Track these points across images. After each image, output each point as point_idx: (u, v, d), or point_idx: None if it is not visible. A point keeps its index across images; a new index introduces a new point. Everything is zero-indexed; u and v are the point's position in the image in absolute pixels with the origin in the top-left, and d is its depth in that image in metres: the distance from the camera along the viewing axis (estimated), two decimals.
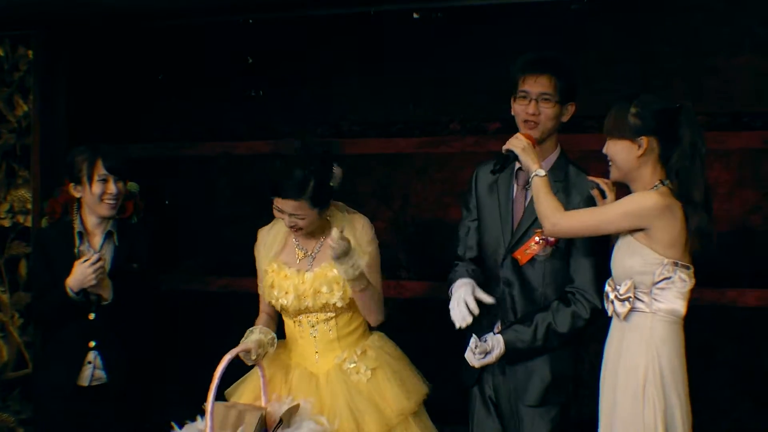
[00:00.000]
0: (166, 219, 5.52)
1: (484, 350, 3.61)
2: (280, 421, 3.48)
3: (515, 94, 3.71)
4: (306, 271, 3.82)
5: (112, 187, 4.11)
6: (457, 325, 3.61)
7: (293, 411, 3.54)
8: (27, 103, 5.73)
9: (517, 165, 3.73)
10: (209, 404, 3.39)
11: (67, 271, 4.03)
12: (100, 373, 4.12)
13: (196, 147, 5.60)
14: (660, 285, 3.30)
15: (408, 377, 3.87)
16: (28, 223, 5.71)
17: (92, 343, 4.11)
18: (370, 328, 3.97)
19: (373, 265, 3.84)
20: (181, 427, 3.59)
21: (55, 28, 5.63)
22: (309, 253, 3.88)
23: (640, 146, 3.33)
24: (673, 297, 3.31)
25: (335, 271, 3.75)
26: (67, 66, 5.71)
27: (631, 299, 3.32)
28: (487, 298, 3.64)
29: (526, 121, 3.68)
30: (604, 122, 3.41)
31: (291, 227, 3.76)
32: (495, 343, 3.63)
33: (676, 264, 3.29)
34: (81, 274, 4.00)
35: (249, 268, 4.06)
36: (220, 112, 5.55)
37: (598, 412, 3.46)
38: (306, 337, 3.86)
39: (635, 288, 3.33)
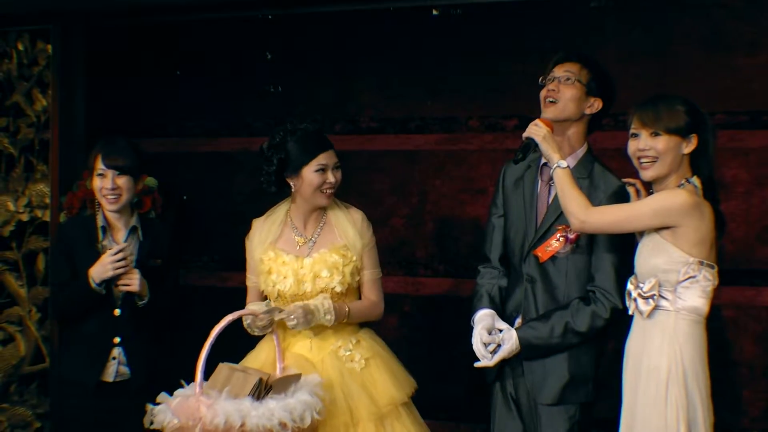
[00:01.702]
0: (183, 214, 5.54)
1: (493, 341, 3.61)
2: (269, 386, 3.48)
3: (543, 84, 3.71)
4: (305, 256, 3.85)
5: (108, 182, 4.07)
6: (479, 364, 3.65)
7: (292, 380, 3.54)
8: (46, 97, 5.75)
9: (542, 160, 3.72)
10: (201, 359, 3.44)
11: (89, 265, 4.03)
12: (125, 369, 4.12)
13: (213, 143, 5.61)
14: (684, 284, 3.29)
15: (398, 369, 3.90)
16: (47, 218, 5.73)
17: (117, 339, 4.11)
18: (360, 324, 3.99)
19: (372, 259, 3.92)
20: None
21: (74, 22, 5.65)
22: (309, 238, 3.90)
23: (689, 143, 3.34)
24: (696, 296, 3.30)
25: (335, 256, 3.80)
26: (85, 61, 5.73)
27: (655, 297, 3.31)
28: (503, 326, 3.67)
29: (545, 99, 3.66)
30: (643, 118, 3.36)
31: (332, 184, 3.83)
32: (507, 337, 3.62)
33: (701, 263, 3.28)
34: (101, 265, 4.01)
35: None
36: (238, 108, 5.55)
37: (620, 410, 3.45)
38: None
39: (660, 286, 3.32)
